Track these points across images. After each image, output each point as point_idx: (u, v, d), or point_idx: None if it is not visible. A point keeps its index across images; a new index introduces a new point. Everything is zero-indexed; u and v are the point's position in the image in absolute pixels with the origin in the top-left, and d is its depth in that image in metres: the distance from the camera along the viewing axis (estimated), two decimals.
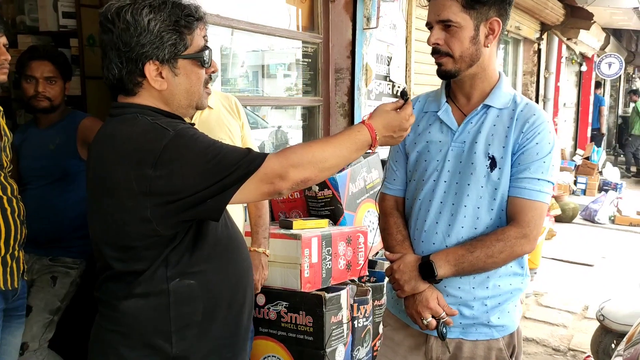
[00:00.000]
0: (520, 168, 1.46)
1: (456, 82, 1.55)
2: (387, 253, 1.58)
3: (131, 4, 1.17)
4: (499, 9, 1.45)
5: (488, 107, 1.51)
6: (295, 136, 3.43)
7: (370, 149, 1.30)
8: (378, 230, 1.73)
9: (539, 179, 1.45)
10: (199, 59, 1.23)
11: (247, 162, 1.14)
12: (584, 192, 8.45)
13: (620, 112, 14.91)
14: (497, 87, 1.53)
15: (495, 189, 1.47)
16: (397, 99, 1.39)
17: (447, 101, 1.57)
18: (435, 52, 1.48)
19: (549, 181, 1.47)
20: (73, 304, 2.38)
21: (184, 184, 1.12)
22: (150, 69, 1.19)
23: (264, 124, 3.66)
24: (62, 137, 2.29)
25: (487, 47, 1.47)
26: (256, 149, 2.12)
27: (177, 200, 1.12)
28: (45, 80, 2.25)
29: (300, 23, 3.12)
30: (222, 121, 1.99)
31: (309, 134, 3.31)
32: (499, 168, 1.47)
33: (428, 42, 1.49)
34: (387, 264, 2.69)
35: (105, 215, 1.19)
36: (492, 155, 1.47)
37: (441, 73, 1.51)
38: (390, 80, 3.55)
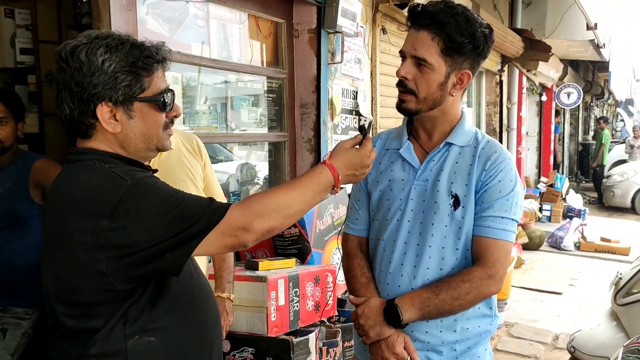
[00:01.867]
0: (483, 206, 1.45)
1: (418, 120, 1.54)
2: (351, 297, 1.53)
3: (87, 43, 1.13)
4: (473, 62, 1.44)
5: (450, 144, 1.50)
6: (262, 172, 3.39)
7: (333, 189, 1.27)
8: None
9: (502, 217, 1.44)
10: (157, 102, 1.19)
11: (209, 214, 1.10)
12: (549, 218, 8.60)
13: (580, 139, 15.39)
14: (459, 125, 1.52)
15: (460, 228, 1.45)
16: (357, 134, 1.36)
17: (408, 138, 1.56)
18: (401, 85, 1.45)
19: (513, 219, 1.45)
20: (25, 357, 2.22)
21: (142, 237, 1.06)
22: (102, 110, 1.14)
23: (233, 156, 3.60)
24: (14, 180, 2.18)
25: (452, 95, 1.46)
26: (219, 189, 2.08)
27: (134, 253, 1.07)
28: None
29: (265, 58, 3.12)
30: (182, 162, 1.93)
31: (275, 169, 3.27)
32: (463, 207, 1.45)
33: (397, 73, 1.46)
34: None
35: (58, 269, 1.13)
36: (455, 194, 1.46)
37: (401, 109, 1.49)
38: (356, 114, 3.56)
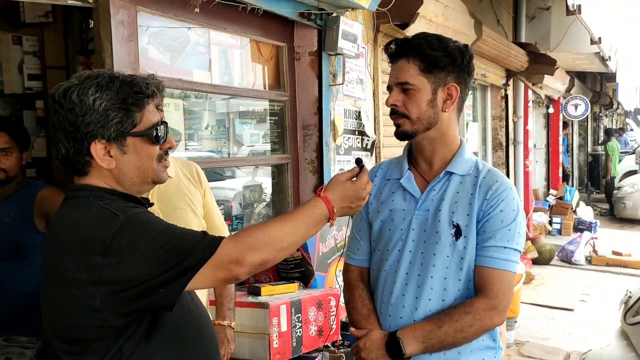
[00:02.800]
0: (485, 236, 1.43)
1: (417, 148, 1.54)
2: (353, 329, 1.51)
3: (79, 84, 1.17)
4: (457, 76, 1.46)
5: (450, 173, 1.50)
6: (266, 193, 3.39)
7: (328, 221, 1.27)
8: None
9: (505, 247, 1.43)
10: (149, 135, 1.21)
11: (201, 248, 1.11)
12: (559, 232, 8.50)
13: (589, 150, 15.27)
14: (458, 153, 1.52)
15: (462, 258, 1.44)
16: (354, 167, 1.36)
17: (409, 168, 1.56)
18: (393, 113, 1.49)
19: (515, 249, 1.44)
20: None
21: (135, 272, 1.08)
22: (96, 148, 1.17)
23: (237, 172, 3.60)
24: (18, 210, 2.20)
25: (445, 111, 1.47)
26: (220, 217, 2.08)
27: (128, 289, 1.08)
28: (1, 152, 2.18)
29: (267, 81, 3.14)
30: (182, 190, 1.93)
31: (278, 191, 3.27)
32: (464, 236, 1.44)
33: (386, 103, 1.49)
34: None
35: (55, 306, 1.15)
36: (457, 224, 1.45)
37: (398, 134, 1.50)
38: (360, 134, 3.56)
